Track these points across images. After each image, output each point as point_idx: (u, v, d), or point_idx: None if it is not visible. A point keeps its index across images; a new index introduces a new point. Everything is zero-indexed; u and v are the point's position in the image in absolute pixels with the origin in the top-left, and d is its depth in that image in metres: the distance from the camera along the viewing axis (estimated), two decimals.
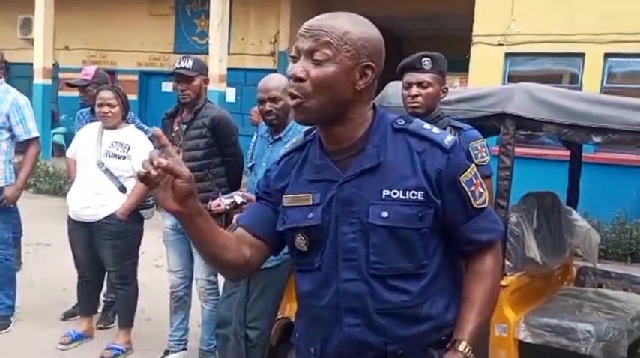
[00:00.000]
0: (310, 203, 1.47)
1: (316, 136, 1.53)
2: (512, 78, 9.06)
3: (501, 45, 9.30)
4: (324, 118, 1.43)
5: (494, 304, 1.55)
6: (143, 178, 1.27)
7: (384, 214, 1.41)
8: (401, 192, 1.41)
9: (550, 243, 3.36)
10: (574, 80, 9.11)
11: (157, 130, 1.38)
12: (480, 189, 1.49)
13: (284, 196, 1.52)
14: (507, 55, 9.32)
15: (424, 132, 1.46)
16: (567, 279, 3.76)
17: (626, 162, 8.25)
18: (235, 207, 3.09)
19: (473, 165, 1.52)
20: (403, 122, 1.48)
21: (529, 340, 2.83)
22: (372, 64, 1.41)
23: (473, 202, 1.47)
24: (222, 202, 3.09)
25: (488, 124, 3.03)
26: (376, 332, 1.43)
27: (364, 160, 1.44)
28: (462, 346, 1.42)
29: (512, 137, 2.94)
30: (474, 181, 1.48)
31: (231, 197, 3.10)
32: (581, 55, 8.85)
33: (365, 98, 1.46)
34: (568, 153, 4.17)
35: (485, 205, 1.51)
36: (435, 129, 1.49)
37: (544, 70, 9.38)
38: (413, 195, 1.41)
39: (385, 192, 1.42)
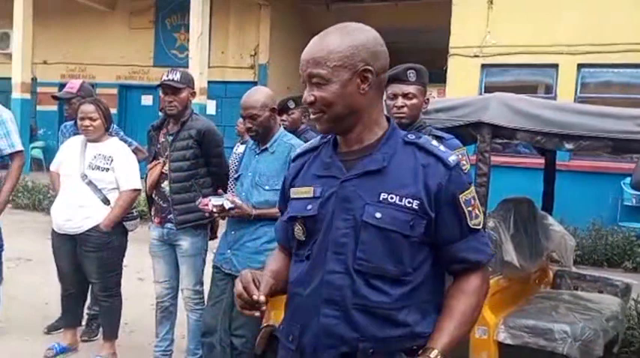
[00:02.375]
0: (311, 195, 1.57)
1: (331, 138, 1.64)
2: (488, 89, 9.24)
3: (477, 56, 9.48)
4: (342, 126, 1.55)
5: (473, 324, 1.58)
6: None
7: (378, 215, 1.48)
8: (398, 197, 1.49)
9: (527, 246, 3.46)
10: (549, 90, 9.32)
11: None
12: (477, 211, 1.56)
13: (291, 189, 1.65)
14: (483, 66, 9.51)
15: (431, 148, 1.54)
16: (544, 282, 3.86)
17: (601, 170, 8.45)
18: (222, 210, 3.13)
19: (473, 187, 1.60)
20: (413, 137, 1.57)
21: (508, 341, 2.91)
22: (369, 67, 1.50)
23: (469, 221, 1.53)
24: (210, 203, 3.14)
25: (466, 133, 3.12)
26: (351, 328, 1.49)
27: (370, 163, 1.53)
28: (434, 354, 1.45)
29: (488, 145, 3.04)
30: (473, 202, 1.55)
31: (221, 200, 3.15)
32: (555, 66, 9.07)
33: (373, 99, 1.55)
34: (543, 160, 4.29)
35: (480, 227, 1.58)
36: (442, 147, 1.56)
37: (519, 81, 9.58)
38: (409, 202, 1.48)
39: (383, 195, 1.49)
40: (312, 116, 1.58)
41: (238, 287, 1.51)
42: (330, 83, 1.50)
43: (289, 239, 1.67)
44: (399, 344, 1.49)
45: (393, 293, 1.49)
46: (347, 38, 1.51)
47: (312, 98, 1.53)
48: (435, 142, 1.57)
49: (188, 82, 3.59)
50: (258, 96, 3.21)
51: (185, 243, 3.60)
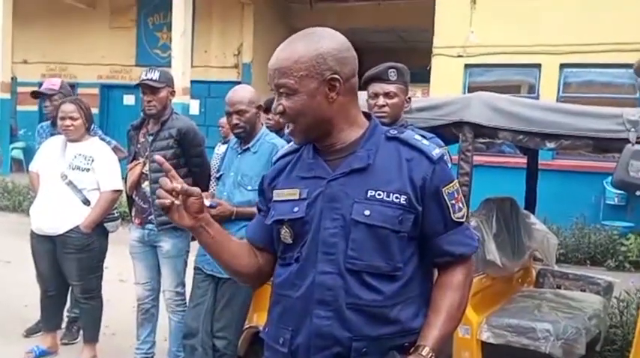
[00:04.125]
0: (297, 197, 1.55)
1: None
2: (471, 88, 9.27)
3: (460, 56, 9.52)
4: (316, 135, 1.55)
5: (460, 317, 1.58)
6: (168, 208, 1.47)
7: (367, 212, 1.48)
8: (385, 193, 1.48)
9: (509, 245, 3.46)
10: (532, 90, 9.38)
11: (160, 159, 1.50)
12: (460, 204, 1.57)
13: (274, 191, 1.61)
14: (467, 66, 9.55)
15: (414, 142, 1.54)
16: (527, 281, 3.87)
17: (584, 169, 8.50)
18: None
19: (456, 181, 1.60)
20: (396, 132, 1.57)
21: (491, 340, 2.91)
22: (336, 75, 1.49)
23: (452, 214, 1.54)
24: None
25: (448, 132, 3.12)
26: (344, 327, 1.48)
27: (354, 161, 1.52)
28: (425, 351, 1.45)
29: (470, 144, 3.04)
30: (456, 195, 1.55)
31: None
32: (538, 66, 9.14)
33: (345, 104, 1.53)
34: (525, 160, 4.30)
35: (464, 220, 1.58)
36: (425, 141, 1.56)
37: (502, 81, 9.62)
38: (396, 198, 1.48)
39: (370, 192, 1.49)
40: (286, 129, 1.56)
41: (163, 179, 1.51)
42: (297, 93, 1.49)
43: (271, 240, 1.64)
44: (391, 342, 1.49)
45: (385, 291, 1.49)
46: (312, 46, 1.49)
47: (282, 108, 1.52)
48: (418, 136, 1.57)
49: (167, 80, 3.55)
50: (245, 92, 3.22)
51: (166, 244, 3.56)
